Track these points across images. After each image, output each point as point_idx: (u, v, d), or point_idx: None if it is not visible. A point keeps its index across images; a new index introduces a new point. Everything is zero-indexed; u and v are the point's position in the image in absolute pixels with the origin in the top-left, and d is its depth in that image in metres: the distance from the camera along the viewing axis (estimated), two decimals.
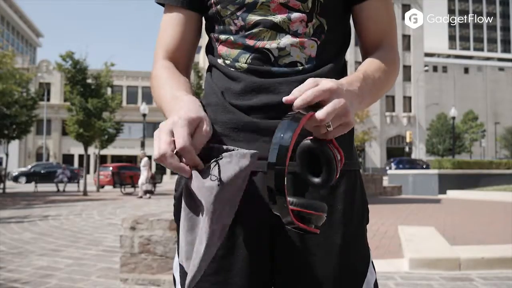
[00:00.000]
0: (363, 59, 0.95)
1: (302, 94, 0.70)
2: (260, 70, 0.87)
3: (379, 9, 0.93)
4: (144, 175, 15.22)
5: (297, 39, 0.87)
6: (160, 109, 0.88)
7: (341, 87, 0.73)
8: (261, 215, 0.84)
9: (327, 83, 0.71)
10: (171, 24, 0.96)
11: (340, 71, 0.93)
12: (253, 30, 0.88)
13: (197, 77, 25.45)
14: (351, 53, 41.52)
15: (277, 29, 0.87)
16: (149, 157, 16.61)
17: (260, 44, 0.88)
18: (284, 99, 0.71)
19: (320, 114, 0.69)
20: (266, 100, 0.86)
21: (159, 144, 0.71)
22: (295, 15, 0.87)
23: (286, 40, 0.87)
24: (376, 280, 0.92)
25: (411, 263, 4.18)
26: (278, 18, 0.87)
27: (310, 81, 0.72)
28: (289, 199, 0.69)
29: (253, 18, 0.88)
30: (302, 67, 0.88)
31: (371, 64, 0.89)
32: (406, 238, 5.17)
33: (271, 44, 0.87)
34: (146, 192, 15.31)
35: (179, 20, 0.95)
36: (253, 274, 0.84)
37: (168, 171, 43.60)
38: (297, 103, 0.69)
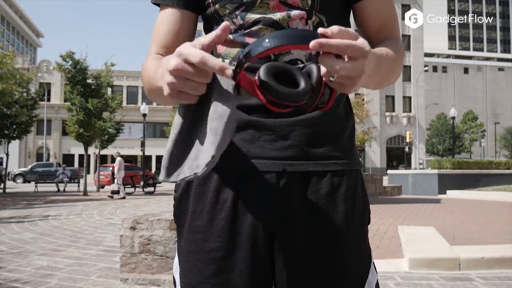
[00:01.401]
0: None
1: (339, 40, 0.63)
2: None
3: (380, 5, 0.93)
4: (120, 176, 15.43)
5: None
6: (150, 86, 0.85)
7: (371, 56, 0.67)
8: (260, 216, 0.84)
9: (367, 46, 0.65)
10: (165, 22, 0.96)
11: None
12: (253, 28, 0.88)
13: None
14: None
15: (277, 27, 0.87)
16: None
17: None
18: (322, 30, 0.64)
19: (338, 66, 0.64)
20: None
21: (175, 62, 0.65)
22: (294, 12, 0.87)
23: None
24: (377, 281, 0.91)
25: (411, 263, 4.18)
26: (277, 15, 0.87)
27: (351, 32, 0.65)
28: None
29: (252, 16, 0.87)
30: (302, 64, 0.87)
31: (384, 46, 0.86)
32: (406, 238, 5.18)
33: None
34: (113, 192, 15.54)
35: (174, 19, 0.95)
36: (253, 275, 0.84)
37: None
38: (325, 43, 0.62)
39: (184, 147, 0.73)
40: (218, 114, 0.68)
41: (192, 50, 0.65)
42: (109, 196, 15.23)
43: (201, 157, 0.69)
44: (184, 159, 0.72)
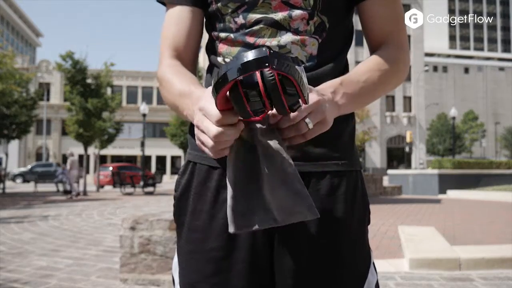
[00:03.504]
0: (370, 54, 0.94)
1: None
2: None
3: (383, 8, 0.92)
4: (71, 175, 15.61)
5: (298, 37, 0.87)
6: (172, 107, 0.90)
7: (319, 90, 0.77)
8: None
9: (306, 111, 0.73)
10: (174, 21, 0.95)
11: (341, 70, 0.92)
12: (254, 28, 0.87)
13: (197, 77, 25.38)
14: (351, 53, 41.49)
15: (278, 27, 0.87)
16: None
17: (260, 41, 0.87)
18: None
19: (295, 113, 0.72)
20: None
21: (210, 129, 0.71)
22: (296, 12, 0.86)
23: (286, 37, 0.86)
24: (377, 281, 0.91)
25: (411, 263, 4.17)
26: (279, 15, 0.86)
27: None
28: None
29: (254, 16, 0.87)
30: (303, 65, 0.87)
31: (362, 66, 0.89)
32: (406, 238, 5.17)
33: (272, 42, 0.87)
34: (65, 192, 15.72)
35: (182, 17, 0.95)
36: (252, 275, 0.84)
37: (168, 171, 43.62)
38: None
39: (246, 200, 0.77)
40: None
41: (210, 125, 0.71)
42: (68, 198, 15.24)
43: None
44: (253, 210, 0.76)
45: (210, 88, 0.70)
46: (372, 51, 0.95)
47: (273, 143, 0.74)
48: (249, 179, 0.76)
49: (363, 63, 0.90)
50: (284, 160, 0.74)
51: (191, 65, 0.97)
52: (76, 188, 15.75)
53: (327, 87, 0.80)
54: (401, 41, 0.94)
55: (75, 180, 15.76)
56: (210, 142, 0.71)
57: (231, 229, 0.76)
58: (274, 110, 0.69)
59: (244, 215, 0.76)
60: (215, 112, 0.68)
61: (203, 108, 0.71)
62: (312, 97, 0.72)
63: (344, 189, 0.87)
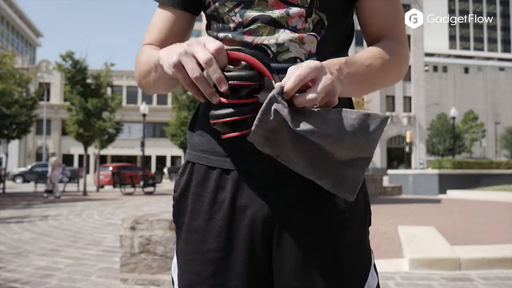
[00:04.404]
0: None
1: (289, 80, 0.72)
2: None
3: (382, 4, 0.92)
4: (54, 175, 15.67)
5: (296, 35, 0.86)
6: (144, 76, 0.91)
7: (325, 66, 0.75)
8: (258, 217, 0.83)
9: (310, 62, 0.73)
10: (160, 19, 0.98)
11: None
12: (251, 26, 0.87)
13: None
14: (351, 52, 41.21)
15: (276, 25, 0.86)
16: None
17: (258, 40, 0.86)
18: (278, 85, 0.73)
19: (311, 94, 0.71)
20: (265, 97, 0.85)
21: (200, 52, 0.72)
22: (293, 10, 0.85)
23: (284, 35, 0.86)
24: (378, 283, 0.90)
25: (411, 263, 4.17)
26: (276, 13, 0.86)
27: (292, 68, 0.74)
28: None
29: (251, 14, 0.87)
30: (301, 63, 0.87)
31: (365, 52, 0.88)
32: (406, 238, 5.17)
33: (270, 40, 0.86)
34: (46, 191, 15.73)
35: (169, 18, 0.97)
36: (251, 276, 0.84)
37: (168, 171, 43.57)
38: (287, 89, 0.71)
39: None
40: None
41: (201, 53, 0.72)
42: (45, 197, 15.32)
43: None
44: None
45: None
46: (369, 45, 0.94)
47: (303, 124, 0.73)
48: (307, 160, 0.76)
49: (365, 50, 0.89)
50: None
51: None
52: (58, 188, 15.91)
53: (332, 64, 0.79)
54: (401, 37, 0.94)
55: (58, 180, 15.96)
56: (197, 70, 0.72)
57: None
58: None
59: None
60: (215, 42, 0.72)
61: (200, 40, 0.73)
62: (326, 78, 0.73)
63: None
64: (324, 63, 0.77)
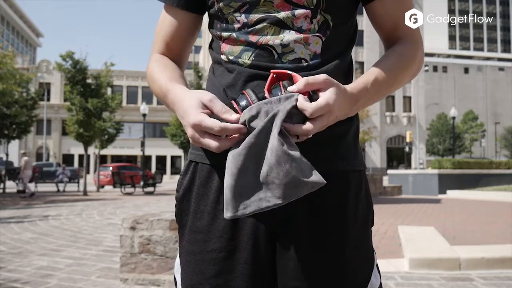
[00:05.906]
0: (385, 51, 0.95)
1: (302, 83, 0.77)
2: (263, 67, 0.86)
3: (392, 6, 0.92)
4: (25, 175, 16.07)
5: (301, 35, 0.86)
6: (161, 99, 0.96)
7: (338, 87, 0.78)
8: (262, 217, 0.83)
9: (334, 92, 0.77)
10: (167, 22, 0.99)
11: (346, 69, 0.92)
12: (256, 27, 0.87)
13: (197, 77, 25.39)
14: (352, 52, 41.39)
15: (281, 25, 0.86)
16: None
17: (263, 40, 0.86)
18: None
19: (306, 127, 0.75)
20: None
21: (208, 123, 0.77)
22: (299, 11, 0.86)
23: (290, 36, 0.86)
24: (380, 283, 0.90)
25: (411, 263, 4.17)
26: (282, 14, 0.86)
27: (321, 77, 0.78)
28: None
29: (256, 15, 0.87)
30: (306, 63, 0.86)
31: (380, 64, 0.89)
32: (406, 238, 5.17)
33: (274, 41, 0.86)
34: (19, 191, 16.12)
35: (174, 19, 0.97)
36: (254, 276, 0.84)
37: (168, 171, 43.60)
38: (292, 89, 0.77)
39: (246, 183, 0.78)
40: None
41: (210, 123, 0.77)
42: (21, 197, 15.47)
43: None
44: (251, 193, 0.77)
45: (192, 102, 0.81)
46: (386, 45, 0.96)
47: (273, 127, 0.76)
48: (251, 159, 0.77)
49: (383, 60, 0.90)
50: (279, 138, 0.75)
51: (178, 62, 1.01)
52: (30, 187, 16.15)
53: (359, 91, 0.83)
54: (416, 35, 0.95)
55: (29, 180, 16.28)
56: (214, 143, 0.77)
57: (226, 215, 0.77)
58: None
59: (241, 195, 0.76)
60: (215, 122, 0.77)
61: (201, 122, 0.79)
62: (328, 117, 0.77)
63: (347, 189, 0.87)
64: (350, 89, 0.81)
